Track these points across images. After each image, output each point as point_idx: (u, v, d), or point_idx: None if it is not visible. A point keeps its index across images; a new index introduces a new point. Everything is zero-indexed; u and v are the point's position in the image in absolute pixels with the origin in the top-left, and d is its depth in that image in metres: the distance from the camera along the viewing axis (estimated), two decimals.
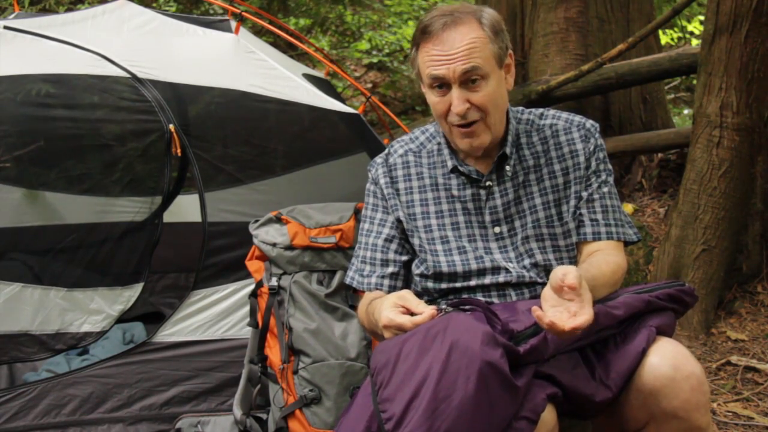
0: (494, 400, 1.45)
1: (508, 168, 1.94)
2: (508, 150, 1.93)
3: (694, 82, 4.46)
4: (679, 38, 7.83)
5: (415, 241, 1.96)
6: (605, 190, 1.94)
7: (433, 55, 1.82)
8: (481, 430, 1.44)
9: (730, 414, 2.73)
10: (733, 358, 3.10)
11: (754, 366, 3.04)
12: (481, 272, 1.88)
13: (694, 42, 7.53)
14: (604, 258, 1.84)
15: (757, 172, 3.47)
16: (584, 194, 1.93)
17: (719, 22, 3.31)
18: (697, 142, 3.44)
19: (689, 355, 1.61)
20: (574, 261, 1.92)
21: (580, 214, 1.92)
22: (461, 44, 1.80)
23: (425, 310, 1.64)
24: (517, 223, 1.92)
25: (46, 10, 5.47)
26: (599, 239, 1.91)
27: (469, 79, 1.81)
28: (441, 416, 1.43)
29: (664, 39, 7.51)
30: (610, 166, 1.98)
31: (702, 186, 3.41)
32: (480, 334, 1.48)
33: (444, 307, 1.68)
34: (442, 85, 1.84)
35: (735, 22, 3.25)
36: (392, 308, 1.69)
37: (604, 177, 1.95)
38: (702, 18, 7.04)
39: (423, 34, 1.85)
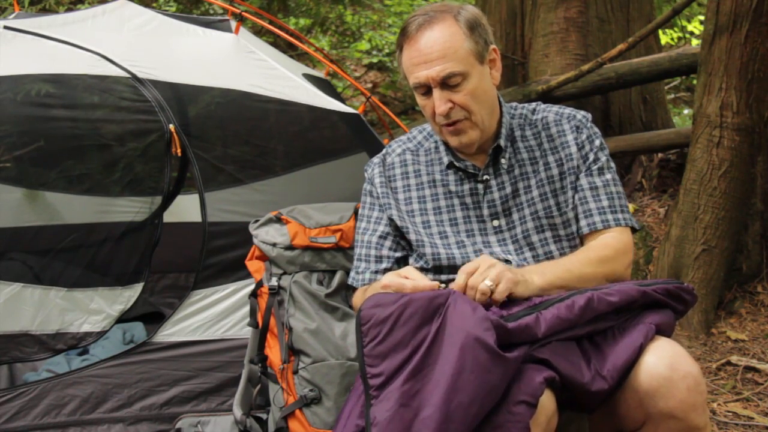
0: (477, 369, 1.47)
1: (503, 161, 1.95)
2: (502, 143, 1.95)
3: (694, 82, 4.46)
4: (679, 38, 7.83)
5: (412, 237, 1.97)
6: (608, 176, 1.95)
7: (412, 58, 1.86)
8: (463, 398, 1.46)
9: (730, 414, 2.73)
10: (733, 358, 3.10)
11: (754, 366, 3.04)
12: None
13: (694, 42, 7.53)
14: (594, 244, 1.89)
15: (757, 172, 3.47)
16: (585, 183, 1.93)
17: (719, 22, 3.31)
18: (697, 142, 3.44)
19: (686, 354, 1.60)
20: (575, 250, 1.92)
21: (585, 202, 1.92)
22: (435, 46, 1.82)
23: (427, 282, 1.70)
24: (515, 216, 1.94)
25: (46, 10, 5.48)
26: (609, 226, 1.91)
27: (448, 82, 1.83)
28: (422, 380, 1.49)
29: (664, 39, 7.51)
30: (608, 154, 1.98)
31: (702, 186, 3.41)
32: (474, 313, 1.54)
33: (445, 285, 1.73)
34: (425, 89, 1.87)
35: (735, 22, 3.25)
36: (395, 274, 1.75)
37: (603, 164, 1.95)
38: (702, 18, 7.04)
39: (401, 36, 1.89)
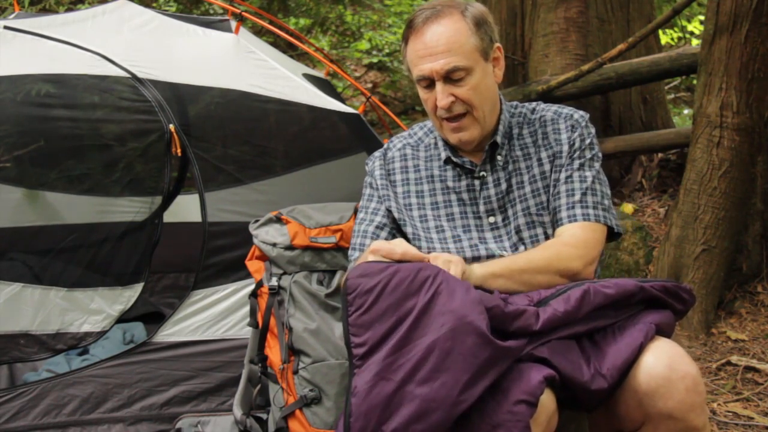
0: (465, 352, 1.47)
1: (499, 157, 1.97)
2: (498, 139, 1.96)
3: (694, 82, 4.46)
4: (679, 38, 7.83)
5: (409, 230, 1.98)
6: (586, 173, 1.91)
7: (417, 51, 1.87)
8: (449, 379, 1.45)
9: (730, 414, 2.73)
10: (733, 358, 3.10)
11: (754, 366, 3.04)
12: (476, 260, 1.88)
13: (694, 42, 7.53)
14: (551, 241, 1.85)
15: (757, 172, 3.47)
16: (562, 178, 1.91)
17: (719, 22, 3.31)
18: (697, 142, 3.44)
19: (685, 354, 1.60)
20: None
21: (558, 199, 1.90)
22: (441, 40, 1.84)
23: (418, 252, 1.70)
24: (510, 212, 1.95)
25: (46, 10, 5.47)
26: (575, 221, 1.86)
27: (451, 76, 1.85)
28: (406, 354, 1.48)
29: (664, 39, 7.51)
30: (598, 153, 1.96)
31: (702, 186, 3.41)
32: (467, 294, 1.53)
33: None
34: (428, 81, 1.88)
35: (735, 22, 3.25)
36: (385, 242, 1.75)
37: (586, 161, 1.92)
38: (702, 18, 7.04)
39: (408, 29, 1.91)
